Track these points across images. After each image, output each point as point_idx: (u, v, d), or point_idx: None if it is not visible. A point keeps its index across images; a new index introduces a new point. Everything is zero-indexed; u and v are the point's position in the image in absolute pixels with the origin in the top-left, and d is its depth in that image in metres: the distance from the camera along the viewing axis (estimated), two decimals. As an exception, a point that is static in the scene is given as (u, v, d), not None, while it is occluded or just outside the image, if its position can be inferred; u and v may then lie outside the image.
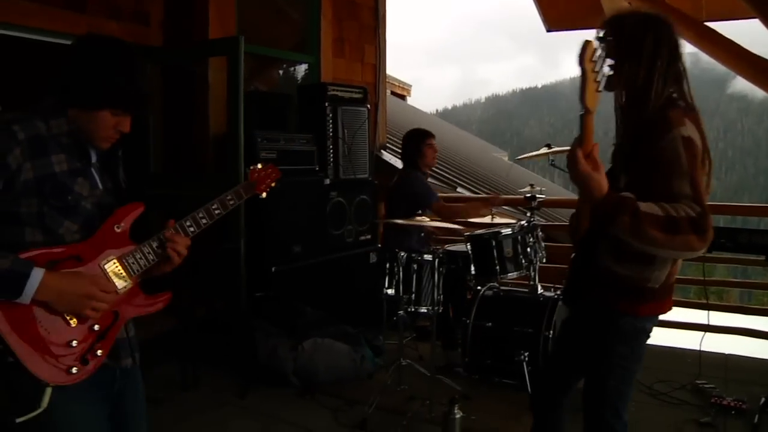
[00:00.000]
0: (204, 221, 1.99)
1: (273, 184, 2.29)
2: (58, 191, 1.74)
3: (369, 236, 5.40)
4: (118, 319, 1.85)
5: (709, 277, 5.30)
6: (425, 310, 4.02)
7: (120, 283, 1.83)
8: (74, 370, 1.74)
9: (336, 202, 5.10)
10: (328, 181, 5.10)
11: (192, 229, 1.97)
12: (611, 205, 1.93)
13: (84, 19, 4.38)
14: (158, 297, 1.94)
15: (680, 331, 5.25)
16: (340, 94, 5.35)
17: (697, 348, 4.48)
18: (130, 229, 1.88)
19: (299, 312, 4.53)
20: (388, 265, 4.07)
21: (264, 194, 2.26)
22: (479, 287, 4.50)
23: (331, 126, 5.24)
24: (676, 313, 5.76)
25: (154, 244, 1.89)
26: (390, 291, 4.04)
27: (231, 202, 2.07)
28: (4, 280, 1.61)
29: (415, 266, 4.01)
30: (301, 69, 6.57)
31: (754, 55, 5.25)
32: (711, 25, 5.36)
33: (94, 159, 1.90)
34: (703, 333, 4.46)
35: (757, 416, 3.71)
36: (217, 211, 2.02)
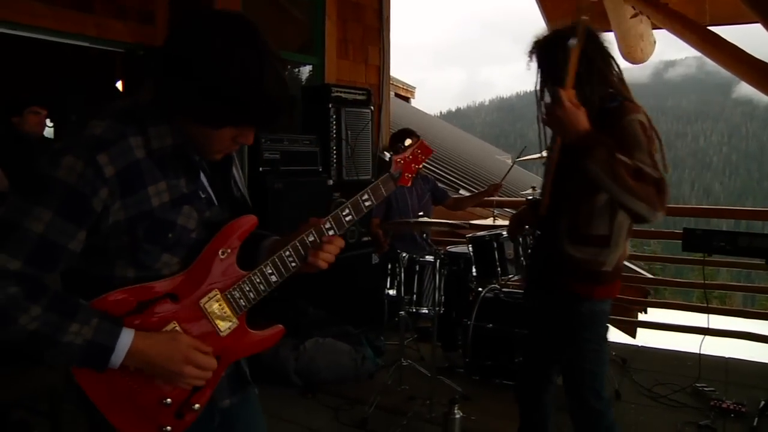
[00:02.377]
0: (331, 232, 1.62)
1: (420, 167, 1.81)
2: (155, 232, 1.40)
3: (371, 237, 5.42)
4: (221, 364, 1.52)
5: (710, 280, 5.33)
6: (426, 311, 4.05)
7: (223, 325, 1.50)
8: (168, 428, 1.47)
9: (339, 203, 5.07)
10: (331, 182, 5.12)
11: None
12: (592, 138, 2.08)
13: (91, 19, 4.41)
14: (270, 331, 1.61)
15: (680, 334, 5.27)
16: (343, 95, 5.38)
17: (697, 351, 4.50)
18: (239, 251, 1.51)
19: (301, 312, 4.55)
20: (389, 266, 4.10)
21: (410, 184, 1.79)
22: (480, 289, 4.53)
23: (334, 127, 5.27)
24: (677, 316, 5.82)
25: (268, 270, 1.53)
26: (391, 291, 4.07)
27: (368, 204, 1.68)
28: (86, 356, 1.33)
29: (416, 267, 4.03)
30: (306, 70, 6.59)
31: (758, 59, 5.25)
32: (715, 29, 5.36)
33: (203, 177, 1.52)
34: (703, 336, 4.49)
35: (756, 419, 3.75)
36: (348, 218, 1.64)
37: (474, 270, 4.40)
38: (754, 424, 3.72)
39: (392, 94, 13.89)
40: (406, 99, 16.28)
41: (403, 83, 16.06)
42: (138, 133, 1.37)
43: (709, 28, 5.52)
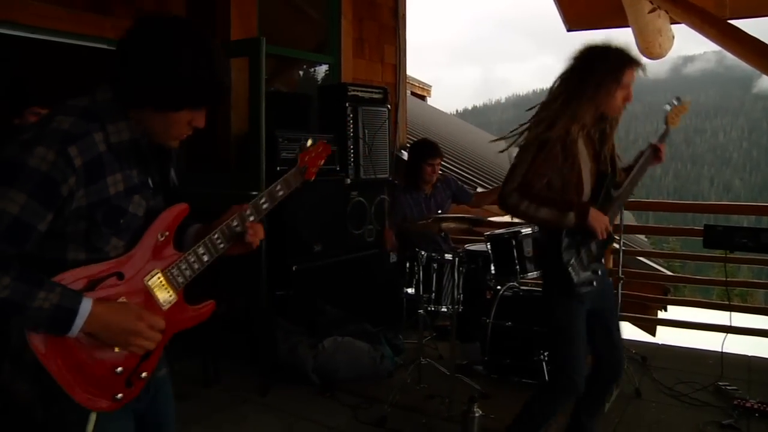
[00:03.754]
0: (252, 218, 1.83)
1: (322, 164, 2.07)
2: (111, 217, 1.58)
3: (384, 241, 5.42)
4: (163, 337, 1.70)
5: (732, 278, 5.27)
6: (445, 310, 4.04)
7: (164, 298, 1.68)
8: (119, 396, 1.63)
9: (356, 202, 5.13)
10: (348, 181, 5.13)
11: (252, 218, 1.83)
12: None
13: (109, 22, 4.45)
14: (202, 307, 1.81)
15: (701, 332, 5.22)
16: (360, 94, 5.38)
17: (719, 349, 4.45)
18: (174, 234, 1.71)
19: (319, 310, 4.57)
20: (408, 265, 4.10)
21: (313, 178, 2.05)
22: (499, 287, 4.51)
23: (351, 126, 5.27)
24: (698, 314, 5.77)
25: (200, 251, 1.72)
26: (410, 290, 4.07)
27: (280, 193, 1.91)
28: (53, 319, 1.47)
29: (435, 266, 4.02)
30: (322, 69, 6.61)
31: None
32: (735, 23, 5.29)
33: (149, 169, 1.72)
34: (725, 334, 4.44)
35: None
36: (265, 206, 1.87)
37: (492, 268, 4.39)
38: (779, 422, 3.67)
39: (408, 92, 13.89)
40: (422, 97, 16.25)
41: (419, 82, 16.03)
42: (99, 129, 1.56)
43: (729, 21, 5.45)
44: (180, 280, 1.70)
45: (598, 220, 2.66)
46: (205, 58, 1.59)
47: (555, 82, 2.81)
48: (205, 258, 1.73)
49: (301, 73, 7.03)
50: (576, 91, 2.67)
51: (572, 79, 2.71)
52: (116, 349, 1.61)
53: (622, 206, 2.95)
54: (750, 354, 4.89)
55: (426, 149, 4.98)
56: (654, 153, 2.92)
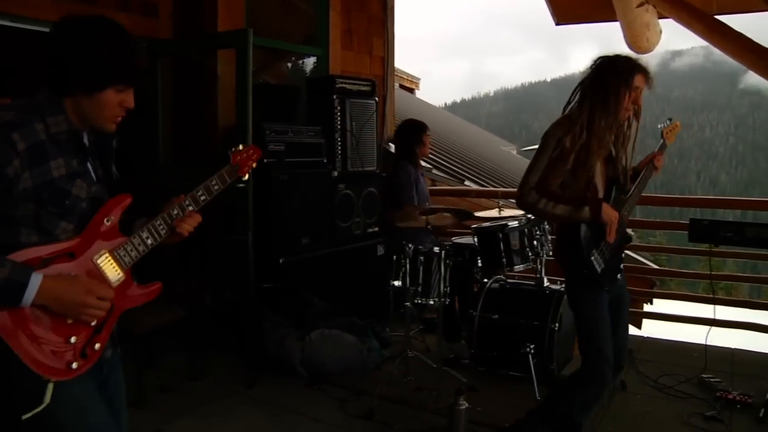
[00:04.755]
0: (191, 207, 1.99)
1: (254, 165, 2.27)
2: (56, 197, 1.73)
3: (376, 228, 5.41)
4: (113, 312, 1.86)
5: (717, 271, 5.31)
6: (432, 302, 4.05)
7: (113, 276, 1.83)
8: (74, 365, 1.76)
9: (344, 195, 5.11)
10: (336, 174, 5.11)
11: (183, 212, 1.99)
12: None
13: (95, 12, 4.40)
14: (150, 287, 1.95)
15: (686, 325, 5.26)
16: (348, 86, 5.36)
17: (703, 342, 4.49)
18: (119, 221, 1.87)
19: (307, 303, 4.56)
20: (395, 258, 4.10)
21: (246, 176, 2.23)
22: (486, 280, 4.52)
23: (339, 118, 5.25)
24: (683, 307, 5.81)
25: (144, 234, 1.89)
26: (397, 283, 4.07)
27: (216, 187, 2.07)
28: (4, 291, 1.62)
29: (422, 258, 4.03)
30: (310, 62, 6.58)
31: (767, 48, 5.21)
32: (722, 18, 5.31)
33: (90, 161, 1.89)
34: (709, 327, 4.48)
35: (762, 410, 3.74)
36: (202, 198, 2.02)
37: (479, 261, 4.40)
38: (761, 414, 3.71)
39: (397, 85, 13.87)
40: (411, 90, 16.23)
41: (408, 75, 16.01)
42: (40, 121, 1.73)
43: (716, 17, 5.47)
44: (126, 259, 1.86)
45: (610, 215, 2.85)
46: (119, 42, 1.79)
47: (575, 91, 2.99)
48: (149, 241, 1.90)
49: (289, 65, 6.99)
50: (591, 99, 2.85)
51: (587, 88, 2.90)
52: (69, 321, 1.75)
53: (631, 209, 3.11)
54: (734, 347, 4.94)
55: (421, 123, 5.32)
56: (654, 164, 3.10)
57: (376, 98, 5.61)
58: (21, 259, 1.67)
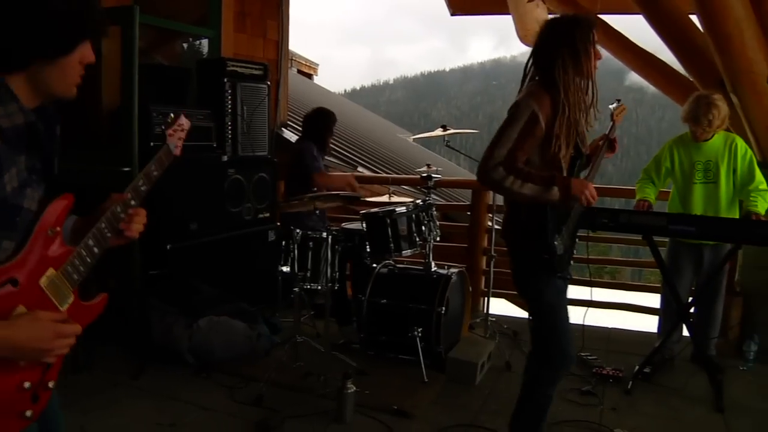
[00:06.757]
0: (134, 202, 1.73)
1: (185, 137, 1.98)
2: (5, 217, 1.44)
3: (268, 214, 5.36)
4: None
5: (603, 256, 5.56)
6: (320, 288, 4.06)
7: (63, 300, 1.54)
8: (29, 413, 1.48)
9: (234, 180, 5.03)
10: (225, 158, 5.02)
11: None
12: None
13: None
14: (96, 300, 1.68)
15: (569, 307, 5.51)
16: (239, 69, 5.26)
17: (581, 323, 4.73)
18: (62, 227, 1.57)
19: (195, 290, 4.47)
20: (283, 243, 4.09)
21: (180, 153, 1.95)
22: (374, 265, 4.58)
23: (229, 102, 5.15)
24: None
25: (90, 243, 1.59)
26: (285, 268, 4.06)
27: (155, 174, 1.80)
28: None
29: (310, 244, 4.03)
30: (206, 44, 6.42)
31: (642, 49, 5.52)
32: (605, 17, 5.55)
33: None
34: (586, 308, 4.72)
35: (630, 383, 4.06)
36: (144, 188, 1.76)
37: (368, 246, 4.45)
38: (629, 387, 4.04)
39: (294, 70, 13.75)
40: (309, 76, 16.15)
41: (306, 60, 15.91)
42: None
43: (600, 16, 5.72)
44: (75, 277, 1.56)
45: (580, 187, 2.63)
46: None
47: (530, 59, 2.78)
48: (96, 250, 1.61)
49: (185, 46, 6.80)
50: (562, 61, 2.63)
51: (554, 52, 2.65)
52: (21, 363, 1.45)
53: None
54: (610, 326, 5.25)
55: (333, 115, 5.29)
56: (609, 145, 2.99)
57: (269, 82, 5.54)
58: None
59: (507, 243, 2.92)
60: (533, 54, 2.76)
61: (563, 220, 2.77)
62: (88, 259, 1.58)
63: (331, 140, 5.48)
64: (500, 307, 5.72)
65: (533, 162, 2.64)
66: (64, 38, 1.48)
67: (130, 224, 1.70)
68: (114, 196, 1.69)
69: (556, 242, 2.70)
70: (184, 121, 1.94)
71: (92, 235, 1.59)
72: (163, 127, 1.92)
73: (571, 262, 2.93)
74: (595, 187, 2.70)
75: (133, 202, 1.71)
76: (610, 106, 3.07)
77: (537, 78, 2.72)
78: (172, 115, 1.94)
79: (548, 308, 2.83)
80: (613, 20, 5.68)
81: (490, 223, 5.58)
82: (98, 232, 1.61)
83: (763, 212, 4.00)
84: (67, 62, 1.51)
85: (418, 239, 4.39)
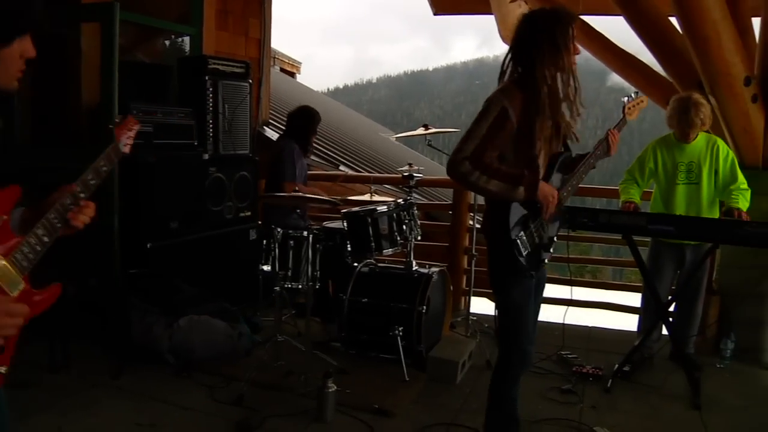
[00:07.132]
0: (83, 195, 1.77)
1: (134, 135, 2.06)
2: None
3: (249, 213, 5.34)
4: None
5: (585, 255, 5.59)
6: (301, 287, 4.05)
7: (13, 287, 1.58)
8: None
9: (215, 178, 5.00)
10: (206, 157, 4.99)
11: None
12: None
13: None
14: (48, 290, 1.72)
15: (548, 305, 5.54)
16: (221, 68, 5.23)
17: (562, 321, 4.76)
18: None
19: (175, 289, 4.44)
20: (264, 242, 4.07)
21: (129, 151, 2.02)
22: (356, 264, 4.58)
23: (211, 100, 5.12)
24: (547, 289, 6.09)
25: (40, 232, 1.64)
26: (266, 267, 4.05)
27: (104, 169, 1.85)
28: None
29: (291, 243, 4.02)
30: (188, 41, 6.38)
31: (622, 50, 5.56)
32: (586, 18, 5.58)
33: None
34: (566, 307, 4.74)
35: (610, 381, 4.10)
36: (93, 182, 1.81)
37: (349, 245, 4.45)
38: (608, 385, 4.08)
39: (277, 68, 13.70)
40: (292, 74, 16.11)
41: (289, 58, 15.88)
42: None
43: (581, 17, 5.75)
44: (25, 264, 1.60)
45: (547, 193, 2.62)
46: None
47: (508, 54, 2.73)
48: (45, 239, 1.65)
49: (167, 43, 6.75)
50: (541, 55, 2.59)
51: (531, 46, 2.61)
52: None
53: (573, 190, 2.90)
54: (590, 325, 5.29)
55: (317, 115, 5.36)
56: (608, 142, 2.96)
57: (251, 80, 5.52)
58: None
59: (484, 236, 2.90)
60: (512, 48, 2.71)
61: (534, 217, 2.72)
62: (38, 248, 1.63)
63: (314, 139, 5.48)
64: (481, 306, 5.73)
65: (507, 158, 2.61)
66: (5, 31, 1.54)
67: (78, 215, 1.74)
68: (63, 188, 1.75)
69: (519, 240, 2.65)
70: (134, 122, 2.04)
71: (41, 225, 1.64)
72: (112, 126, 1.99)
73: (546, 260, 2.89)
74: (579, 187, 2.70)
75: (82, 195, 1.76)
76: (623, 99, 3.03)
77: (515, 74, 2.69)
78: (117, 119, 2.03)
79: (513, 306, 2.80)
80: (594, 21, 5.72)
81: (471, 223, 5.60)
82: (47, 222, 1.66)
83: (744, 209, 4.05)
84: (7, 54, 1.56)
85: (399, 238, 4.40)
